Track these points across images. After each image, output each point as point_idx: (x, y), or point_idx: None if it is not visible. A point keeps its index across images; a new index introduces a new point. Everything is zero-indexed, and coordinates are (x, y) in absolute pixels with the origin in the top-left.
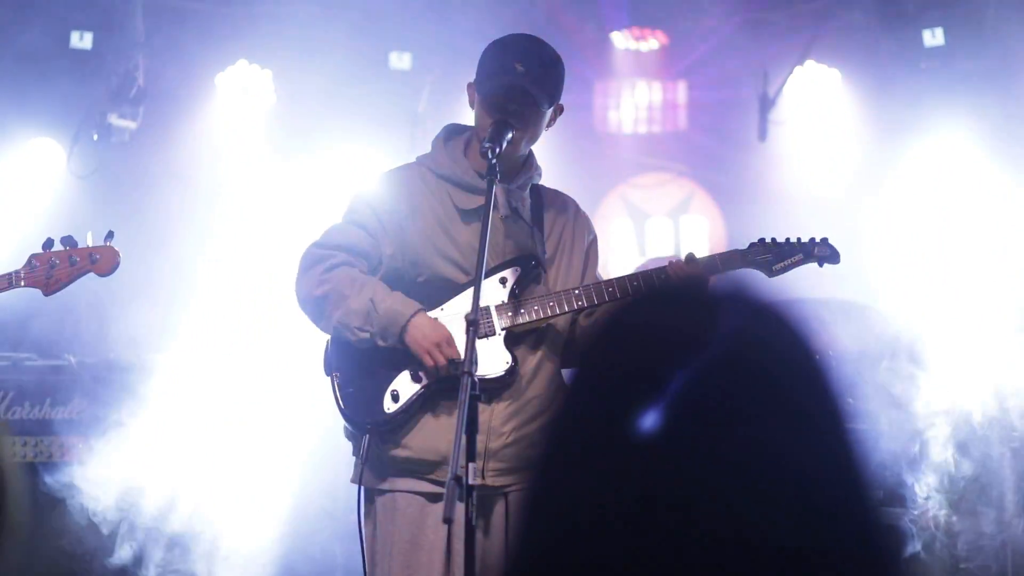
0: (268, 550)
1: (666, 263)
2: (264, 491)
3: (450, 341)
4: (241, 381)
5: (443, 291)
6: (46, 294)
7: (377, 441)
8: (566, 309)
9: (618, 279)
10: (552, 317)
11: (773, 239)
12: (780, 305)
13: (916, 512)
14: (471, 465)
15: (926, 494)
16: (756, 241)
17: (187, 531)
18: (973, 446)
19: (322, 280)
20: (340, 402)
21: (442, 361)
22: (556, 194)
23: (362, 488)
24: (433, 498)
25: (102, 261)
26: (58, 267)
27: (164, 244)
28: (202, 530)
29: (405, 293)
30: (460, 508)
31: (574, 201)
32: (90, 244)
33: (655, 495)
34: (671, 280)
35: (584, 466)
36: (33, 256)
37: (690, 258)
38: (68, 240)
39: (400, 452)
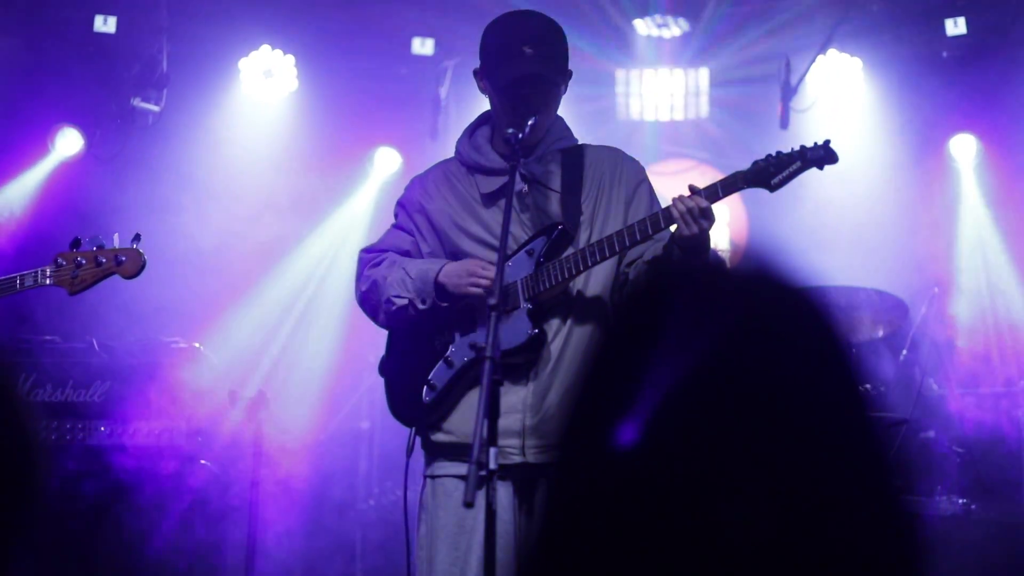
0: (292, 535)
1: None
2: (283, 476)
3: (483, 265)
4: (263, 366)
5: None
6: (71, 294)
7: (423, 431)
8: (580, 269)
9: (628, 225)
10: (570, 278)
11: (776, 152)
12: (800, 291)
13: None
14: (493, 449)
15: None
16: (757, 159)
17: (210, 514)
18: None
19: (367, 276)
20: (388, 401)
21: (487, 281)
22: (597, 150)
23: (407, 477)
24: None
25: (127, 263)
26: (84, 267)
27: (185, 227)
28: (225, 514)
29: None
30: (504, 491)
31: (616, 152)
32: (117, 246)
33: (681, 475)
34: (673, 216)
35: (609, 443)
36: (60, 255)
37: (692, 189)
38: (95, 240)
39: (443, 437)
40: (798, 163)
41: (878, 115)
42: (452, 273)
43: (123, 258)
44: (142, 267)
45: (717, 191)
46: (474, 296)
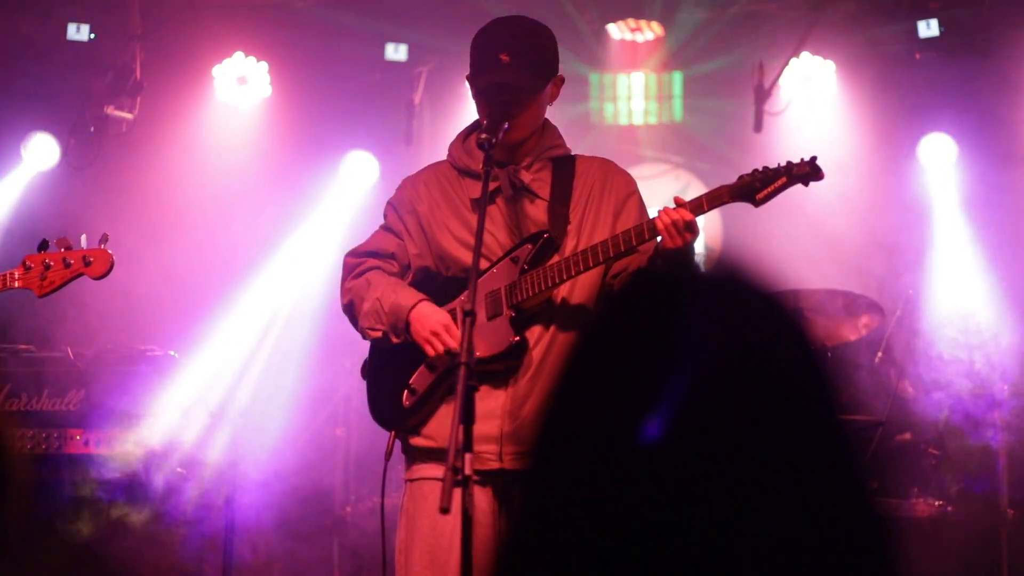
0: (269, 541)
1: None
2: (259, 482)
3: (448, 327)
4: (237, 372)
5: (468, 280)
6: (39, 296)
7: (403, 435)
8: (564, 277)
9: (612, 236)
10: (553, 287)
11: (762, 167)
12: (774, 295)
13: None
14: (468, 455)
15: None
16: (743, 174)
17: (185, 522)
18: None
19: (347, 290)
20: (369, 405)
21: (439, 348)
22: (588, 161)
23: (385, 481)
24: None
25: (95, 264)
26: (52, 269)
27: (160, 235)
28: (204, 518)
29: (436, 290)
30: (483, 496)
31: (607, 163)
32: (84, 247)
33: (654, 485)
34: (658, 228)
35: (587, 449)
36: (28, 257)
37: (678, 201)
38: (62, 242)
39: (422, 441)
40: (784, 179)
41: (852, 117)
42: (420, 319)
43: (91, 259)
44: (110, 267)
45: (702, 204)
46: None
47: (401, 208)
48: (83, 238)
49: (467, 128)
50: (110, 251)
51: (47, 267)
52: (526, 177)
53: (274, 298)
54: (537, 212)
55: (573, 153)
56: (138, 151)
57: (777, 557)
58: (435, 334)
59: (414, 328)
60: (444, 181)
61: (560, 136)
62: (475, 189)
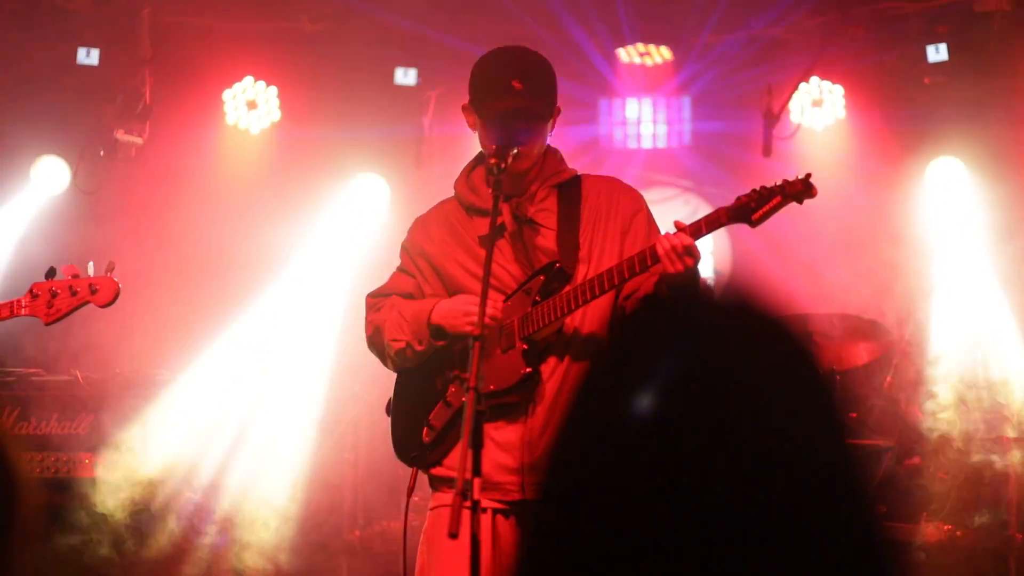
0: (278, 566)
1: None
2: (269, 506)
3: (475, 302)
4: (246, 396)
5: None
6: (46, 323)
7: (425, 468)
8: (572, 307)
9: (618, 264)
10: (563, 316)
11: (760, 187)
12: (783, 320)
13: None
14: (476, 480)
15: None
16: (740, 195)
17: (194, 545)
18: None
19: (371, 322)
20: (393, 443)
21: (478, 316)
22: (594, 181)
23: (407, 519)
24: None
25: (101, 292)
26: (58, 297)
27: (169, 259)
28: (210, 545)
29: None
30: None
31: (612, 182)
32: (91, 275)
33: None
34: (659, 255)
35: (604, 479)
36: (35, 285)
37: (678, 226)
38: (70, 269)
39: (442, 471)
40: (779, 198)
41: (861, 141)
42: (446, 313)
43: (97, 287)
44: (116, 296)
45: (701, 228)
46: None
47: (412, 250)
48: (90, 266)
49: (470, 164)
50: (116, 279)
51: (54, 295)
52: (530, 210)
53: (284, 322)
54: (546, 242)
55: (579, 173)
56: (148, 175)
57: None
58: (467, 313)
59: (446, 323)
60: (453, 219)
61: (563, 160)
62: (483, 226)
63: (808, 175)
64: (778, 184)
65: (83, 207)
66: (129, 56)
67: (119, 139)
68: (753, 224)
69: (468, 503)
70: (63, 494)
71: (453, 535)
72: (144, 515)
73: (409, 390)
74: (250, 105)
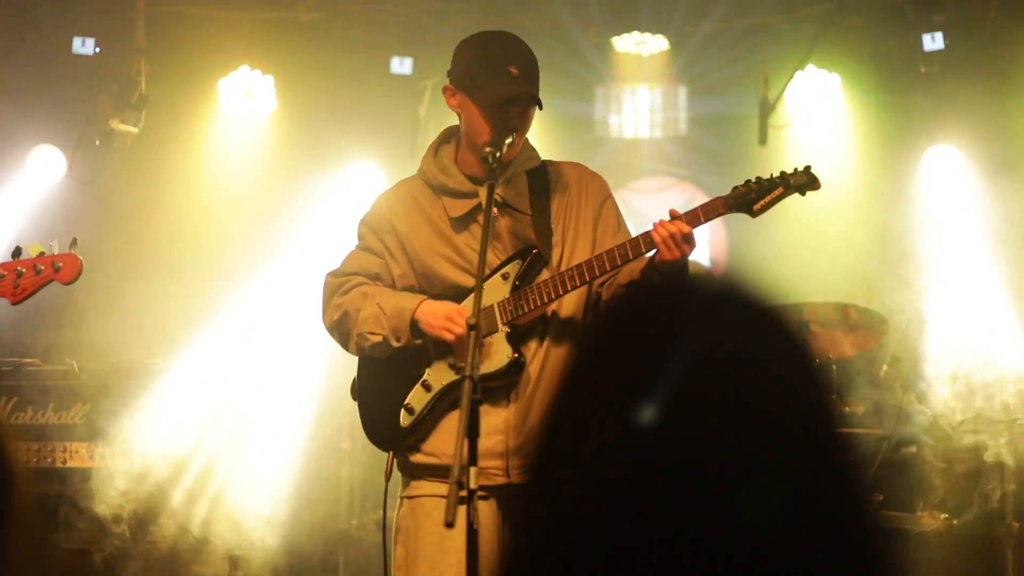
0: (274, 556)
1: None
2: (265, 495)
3: (460, 312)
4: (242, 385)
5: (455, 299)
6: (13, 303)
7: (400, 454)
8: (560, 292)
9: (608, 250)
10: (549, 303)
11: (756, 178)
12: (771, 308)
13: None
14: (472, 469)
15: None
16: (737, 185)
17: (190, 534)
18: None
19: (338, 305)
20: (364, 426)
21: (461, 329)
22: (561, 167)
23: (386, 499)
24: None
25: (64, 269)
26: (24, 276)
27: (165, 248)
28: (208, 536)
29: None
30: (488, 510)
31: (579, 168)
32: (56, 252)
33: (650, 496)
34: (655, 241)
35: (589, 461)
36: (0, 265)
37: (673, 214)
38: (35, 247)
39: (422, 458)
40: (780, 189)
41: (857, 130)
42: (428, 313)
43: (60, 264)
44: (79, 272)
45: (699, 216)
46: (443, 340)
47: (380, 228)
48: (54, 243)
49: (436, 141)
50: (79, 256)
51: (19, 274)
52: (507, 193)
53: (280, 310)
54: (521, 227)
55: (545, 160)
56: (143, 165)
57: (780, 571)
58: (449, 318)
59: (425, 322)
60: (421, 198)
61: (532, 147)
62: (453, 207)
63: (808, 167)
64: (778, 175)
65: (79, 196)
66: (125, 45)
67: (115, 128)
68: (754, 215)
69: (464, 492)
70: (59, 484)
71: (450, 524)
72: (139, 504)
73: (379, 373)
74: (246, 94)
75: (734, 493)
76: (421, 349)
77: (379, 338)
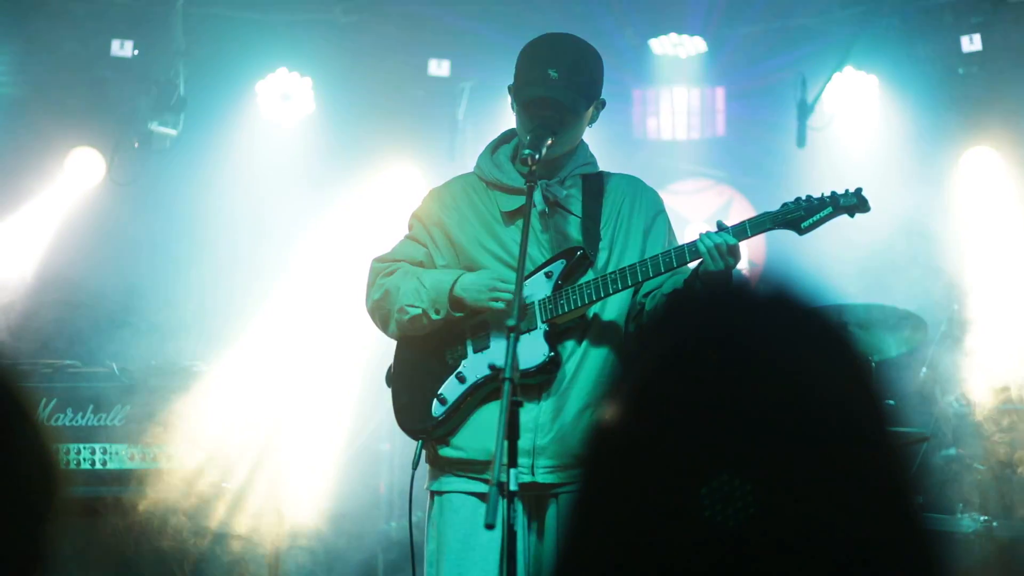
0: (314, 556)
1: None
2: (305, 496)
3: (503, 279)
4: (282, 387)
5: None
6: None
7: (431, 446)
8: (602, 295)
9: (652, 256)
10: (589, 304)
11: (806, 196)
12: (822, 309)
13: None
14: (513, 470)
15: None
16: (786, 201)
17: (231, 537)
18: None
19: (380, 285)
20: (395, 411)
21: (507, 295)
22: (618, 178)
23: (412, 492)
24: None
25: None
26: None
27: (204, 251)
28: (246, 537)
29: None
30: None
31: (635, 181)
32: None
33: (693, 496)
34: (700, 251)
35: (626, 465)
36: None
37: (720, 226)
38: None
39: (452, 452)
40: (829, 210)
41: (894, 132)
42: (470, 287)
43: None
44: None
45: (746, 231)
46: (492, 310)
47: (428, 220)
48: None
49: (496, 140)
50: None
51: None
52: (560, 193)
53: (318, 313)
54: (570, 228)
55: (602, 170)
56: (182, 167)
57: (823, 570)
58: (492, 289)
59: (466, 292)
60: (472, 193)
61: (591, 154)
62: (505, 202)
63: (859, 189)
64: (828, 195)
65: (117, 198)
66: (163, 48)
67: (153, 131)
68: (801, 232)
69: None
70: (99, 486)
71: (491, 526)
72: (179, 506)
73: (415, 360)
74: (284, 96)
75: (778, 492)
76: (458, 338)
77: (418, 310)
